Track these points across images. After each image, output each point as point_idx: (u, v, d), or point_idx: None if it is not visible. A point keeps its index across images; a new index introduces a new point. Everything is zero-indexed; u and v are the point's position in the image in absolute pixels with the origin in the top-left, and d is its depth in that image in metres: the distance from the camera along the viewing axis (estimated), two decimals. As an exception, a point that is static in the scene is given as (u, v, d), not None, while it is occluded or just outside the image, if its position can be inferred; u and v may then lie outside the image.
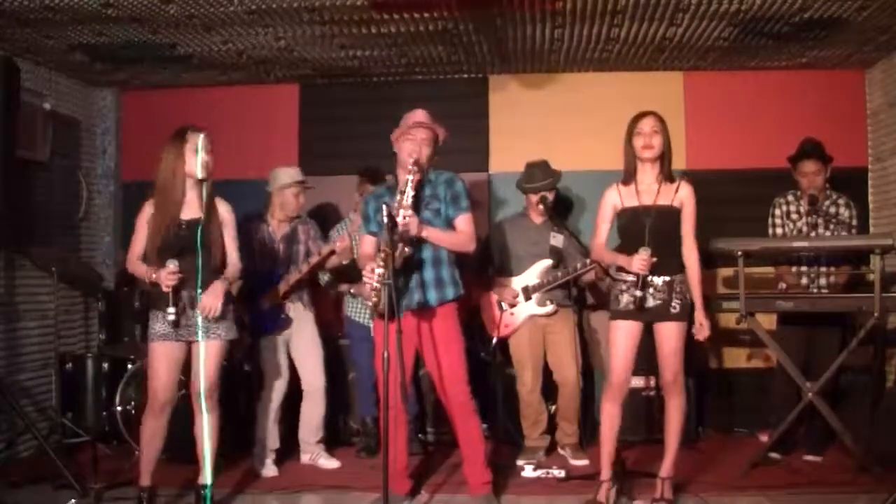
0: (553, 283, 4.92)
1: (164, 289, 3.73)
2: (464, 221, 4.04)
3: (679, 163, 5.84)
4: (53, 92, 5.56)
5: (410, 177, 3.82)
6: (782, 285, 4.97)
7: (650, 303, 3.86)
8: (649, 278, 3.81)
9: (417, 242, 3.91)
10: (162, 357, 3.82)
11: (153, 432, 3.85)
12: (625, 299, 3.89)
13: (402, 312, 3.86)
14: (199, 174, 3.84)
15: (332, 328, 5.45)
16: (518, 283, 5.00)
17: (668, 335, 3.88)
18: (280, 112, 6.16)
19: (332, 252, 4.73)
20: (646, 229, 3.85)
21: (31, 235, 5.22)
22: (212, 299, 3.78)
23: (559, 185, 5.14)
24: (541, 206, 4.94)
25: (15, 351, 5.10)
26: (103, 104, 6.18)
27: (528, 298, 4.97)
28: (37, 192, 5.34)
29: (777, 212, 4.98)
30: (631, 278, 3.85)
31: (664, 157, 3.93)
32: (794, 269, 4.93)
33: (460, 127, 5.69)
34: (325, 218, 5.80)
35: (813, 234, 4.84)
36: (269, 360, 4.79)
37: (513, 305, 4.98)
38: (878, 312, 4.19)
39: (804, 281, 4.89)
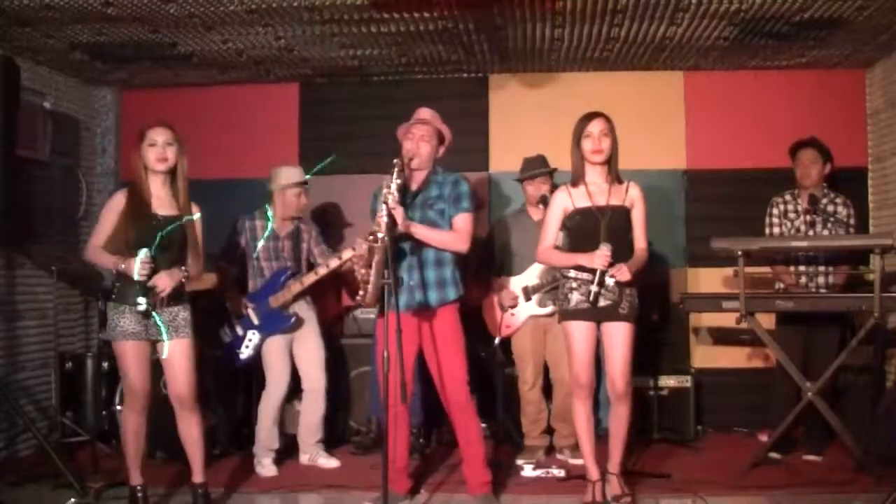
0: (552, 284, 4.91)
1: (139, 278, 3.68)
2: (461, 220, 4.02)
3: (679, 162, 5.89)
4: (53, 91, 5.56)
5: (395, 170, 3.81)
6: (779, 285, 4.97)
7: (601, 302, 3.86)
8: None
9: (404, 238, 3.91)
10: (134, 356, 3.76)
11: (137, 429, 3.84)
12: (575, 297, 3.90)
13: (401, 309, 3.86)
14: (155, 167, 3.80)
15: (333, 327, 5.45)
16: (518, 283, 5.00)
17: (618, 337, 3.89)
18: (280, 111, 6.15)
19: (353, 256, 4.74)
20: (601, 229, 3.86)
21: (31, 234, 5.22)
22: (166, 279, 3.74)
23: (559, 182, 5.13)
24: (541, 205, 4.93)
25: (14, 350, 5.10)
26: (103, 103, 6.18)
27: (528, 299, 4.97)
28: (37, 191, 5.34)
29: (774, 211, 4.99)
30: (584, 276, 3.85)
31: (612, 159, 3.95)
32: (792, 268, 4.93)
33: (460, 126, 5.64)
34: (325, 217, 5.81)
35: (811, 232, 4.84)
36: (270, 360, 4.78)
37: (513, 307, 4.99)
38: (878, 312, 4.19)
39: (803, 280, 4.89)
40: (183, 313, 3.86)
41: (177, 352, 3.83)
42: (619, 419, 3.94)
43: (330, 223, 5.84)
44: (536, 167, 5.01)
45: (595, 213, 3.90)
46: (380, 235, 3.69)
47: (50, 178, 5.49)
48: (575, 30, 4.98)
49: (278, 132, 6.10)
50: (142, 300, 3.70)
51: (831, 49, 5.32)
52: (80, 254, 5.63)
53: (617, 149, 3.96)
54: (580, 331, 3.91)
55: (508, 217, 5.27)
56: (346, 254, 4.75)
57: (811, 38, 5.09)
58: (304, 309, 4.87)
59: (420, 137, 3.98)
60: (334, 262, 4.78)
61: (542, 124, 5.88)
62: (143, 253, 3.68)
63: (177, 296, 3.82)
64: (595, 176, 3.97)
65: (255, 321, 4.77)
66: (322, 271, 4.79)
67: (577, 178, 3.99)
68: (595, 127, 3.91)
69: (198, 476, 3.91)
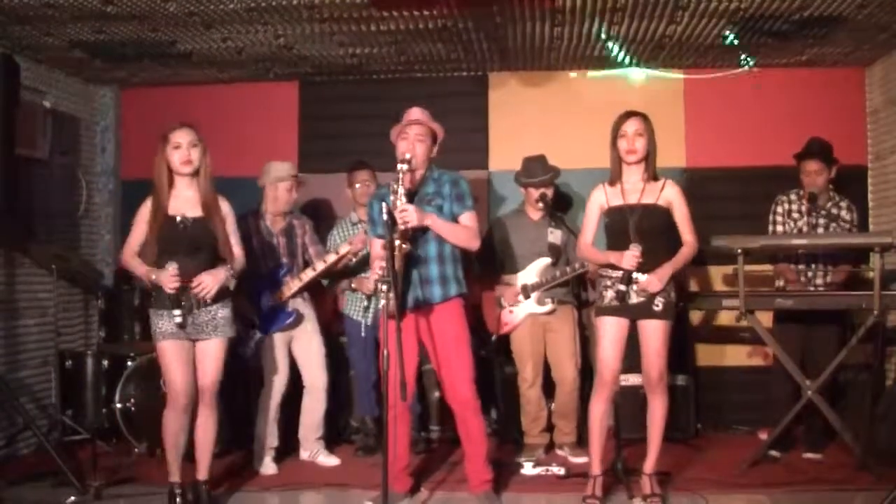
0: (552, 283, 4.91)
1: (169, 291, 3.73)
2: (468, 218, 4.06)
3: (679, 161, 5.88)
4: (53, 89, 5.56)
5: (401, 173, 3.82)
6: (780, 282, 4.97)
7: (633, 299, 3.87)
8: (634, 275, 3.83)
9: (420, 233, 3.91)
10: (173, 355, 3.81)
11: (177, 429, 3.84)
12: (609, 295, 3.92)
13: (405, 308, 3.87)
14: (181, 170, 3.84)
15: (331, 325, 5.45)
16: (517, 281, 5.00)
17: (652, 334, 3.91)
18: (279, 109, 6.15)
19: (349, 252, 4.74)
20: (629, 227, 3.87)
21: (31, 233, 5.22)
22: (211, 279, 3.80)
23: (558, 181, 5.15)
24: (540, 203, 4.94)
25: (15, 348, 5.10)
26: (103, 101, 6.18)
27: (527, 297, 4.97)
28: (36, 190, 5.34)
29: (779, 209, 4.98)
30: (616, 274, 3.87)
31: (649, 158, 3.95)
32: (792, 266, 4.93)
33: (460, 125, 5.69)
34: (322, 215, 5.81)
35: (812, 233, 4.84)
36: (269, 358, 4.78)
37: (514, 305, 4.98)
38: (877, 310, 4.20)
39: (803, 279, 4.89)
40: (222, 311, 3.88)
41: (211, 349, 3.86)
42: (654, 416, 3.96)
43: (327, 221, 5.84)
44: (538, 169, 5.00)
45: (625, 211, 3.92)
46: (396, 243, 3.71)
47: (50, 176, 5.49)
48: (574, 28, 4.98)
49: (278, 130, 6.10)
50: (177, 312, 3.74)
51: (831, 47, 5.32)
52: (82, 257, 5.70)
53: (654, 148, 3.96)
54: (610, 327, 3.93)
55: (507, 216, 5.27)
56: (343, 248, 4.76)
57: (811, 37, 5.09)
58: (301, 306, 4.87)
59: (415, 137, 3.99)
60: (332, 258, 4.78)
61: (541, 123, 5.89)
62: (172, 267, 3.72)
63: (217, 294, 3.84)
64: (631, 175, 3.98)
65: (256, 320, 4.76)
66: (320, 267, 4.79)
67: (614, 178, 4.01)
68: (630, 127, 3.92)
69: (202, 473, 3.93)
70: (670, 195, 3.95)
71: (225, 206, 3.98)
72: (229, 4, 4.46)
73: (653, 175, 3.97)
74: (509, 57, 5.64)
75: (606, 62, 5.69)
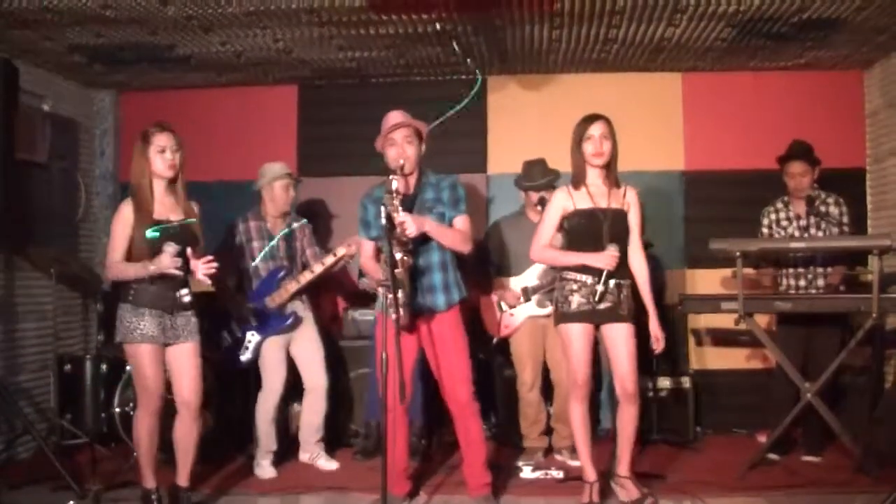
0: (552, 285, 4.90)
1: (175, 272, 3.70)
2: (461, 222, 4.03)
3: (677, 164, 5.90)
4: (52, 93, 5.56)
5: (395, 183, 3.78)
6: (766, 285, 4.99)
7: (602, 305, 3.87)
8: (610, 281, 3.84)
9: (422, 241, 3.88)
10: (150, 358, 3.78)
11: (151, 432, 3.84)
12: (576, 300, 3.91)
13: (409, 316, 3.84)
14: (165, 174, 3.83)
15: (331, 329, 5.45)
16: (517, 283, 5.00)
17: (620, 338, 3.91)
18: (279, 113, 6.15)
19: (346, 254, 4.75)
20: (603, 230, 3.87)
21: (30, 236, 5.21)
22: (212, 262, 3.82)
23: (556, 184, 5.14)
24: (539, 207, 4.93)
25: (13, 352, 5.10)
26: (102, 105, 6.18)
27: (527, 299, 4.97)
28: (35, 194, 5.34)
29: (765, 221, 5.00)
30: (584, 278, 3.87)
31: (612, 162, 3.96)
32: (791, 269, 4.93)
33: (458, 128, 5.70)
34: (322, 219, 5.81)
35: (806, 235, 4.85)
36: (268, 361, 4.78)
37: (514, 307, 4.99)
38: (876, 313, 4.20)
39: (802, 282, 4.89)
40: (194, 318, 3.90)
41: (187, 353, 3.85)
42: (628, 420, 3.95)
43: (326, 225, 5.84)
44: (537, 173, 4.99)
45: (598, 214, 3.91)
46: (398, 256, 3.66)
47: (49, 180, 5.49)
48: (573, 31, 4.98)
49: (277, 134, 6.11)
50: (185, 291, 3.78)
51: (830, 50, 5.33)
52: (81, 260, 5.68)
53: (617, 151, 3.96)
54: (578, 332, 3.92)
55: (507, 219, 5.26)
56: (341, 251, 4.76)
57: (810, 39, 5.10)
58: (300, 309, 4.88)
59: (404, 140, 3.97)
60: (329, 260, 4.79)
61: (540, 126, 5.89)
62: (172, 247, 3.70)
63: (193, 301, 3.88)
64: (595, 178, 3.98)
65: (254, 322, 4.77)
66: (318, 269, 4.80)
67: (578, 180, 4.00)
68: (596, 129, 3.92)
69: (184, 480, 3.92)
70: (631, 199, 3.98)
71: (196, 209, 3.98)
72: (228, 8, 4.47)
73: (615, 180, 3.98)
74: (508, 60, 5.64)
75: (605, 65, 5.70)
